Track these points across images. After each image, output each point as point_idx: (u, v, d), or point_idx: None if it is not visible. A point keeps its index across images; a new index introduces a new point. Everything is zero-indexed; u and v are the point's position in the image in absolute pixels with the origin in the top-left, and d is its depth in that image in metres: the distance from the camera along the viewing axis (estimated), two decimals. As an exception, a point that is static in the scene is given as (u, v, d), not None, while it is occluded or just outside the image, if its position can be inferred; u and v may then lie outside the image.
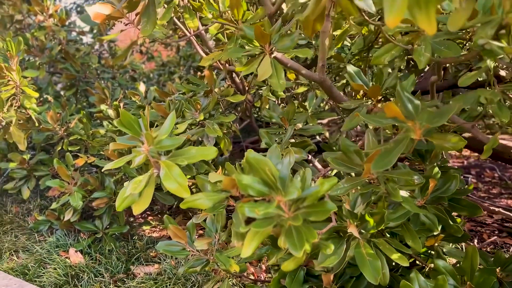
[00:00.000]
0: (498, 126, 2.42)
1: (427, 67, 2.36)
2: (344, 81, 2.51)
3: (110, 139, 2.40)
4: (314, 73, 1.46)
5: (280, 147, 1.75)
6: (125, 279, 1.92)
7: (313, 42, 2.39)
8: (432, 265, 1.44)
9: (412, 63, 2.23)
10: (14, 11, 3.21)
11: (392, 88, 1.41)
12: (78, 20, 4.11)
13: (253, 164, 0.92)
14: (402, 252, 1.17)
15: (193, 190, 1.91)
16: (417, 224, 1.26)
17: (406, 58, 1.88)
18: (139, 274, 1.98)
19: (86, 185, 2.25)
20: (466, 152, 4.26)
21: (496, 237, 2.29)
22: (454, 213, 1.35)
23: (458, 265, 1.34)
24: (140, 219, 2.60)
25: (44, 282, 1.89)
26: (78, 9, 4.62)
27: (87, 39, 4.01)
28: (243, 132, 3.20)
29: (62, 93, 3.56)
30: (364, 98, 2.38)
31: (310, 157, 1.82)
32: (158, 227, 2.55)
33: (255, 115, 3.44)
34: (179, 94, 2.20)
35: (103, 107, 2.55)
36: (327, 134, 2.45)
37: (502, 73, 1.47)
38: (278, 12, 1.65)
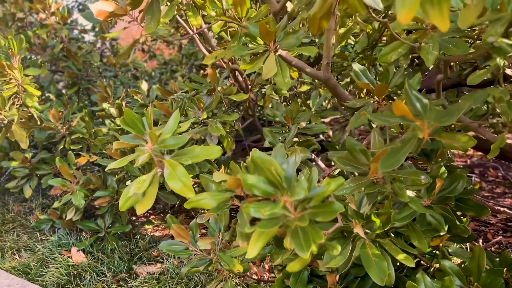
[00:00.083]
0: (502, 125, 2.40)
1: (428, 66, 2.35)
2: (348, 79, 2.50)
3: (112, 137, 2.39)
4: (319, 72, 1.44)
5: (283, 146, 1.74)
6: (127, 279, 1.91)
7: (316, 40, 2.37)
8: (437, 265, 1.43)
9: (417, 61, 2.22)
10: (16, 9, 3.19)
11: (397, 86, 1.40)
12: (80, 18, 4.10)
13: (258, 164, 0.90)
14: (407, 252, 1.16)
15: (195, 189, 1.90)
16: (423, 224, 1.24)
17: (410, 56, 1.86)
18: (142, 273, 1.97)
19: (88, 184, 2.24)
20: (469, 151, 4.24)
21: (501, 237, 2.28)
22: (458, 213, 1.34)
23: (463, 265, 1.33)
24: (142, 218, 2.59)
25: (47, 281, 1.88)
26: (80, 7, 4.61)
27: (89, 37, 3.99)
28: (244, 131, 3.18)
29: (63, 91, 3.55)
30: (367, 96, 2.37)
31: (313, 156, 1.81)
32: (160, 226, 2.54)
33: (257, 114, 3.42)
34: (181, 92, 2.18)
35: (105, 105, 2.53)
36: (330, 133, 2.43)
37: (508, 71, 1.45)
38: (281, 10, 1.64)
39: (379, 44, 2.32)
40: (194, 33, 1.80)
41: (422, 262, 1.44)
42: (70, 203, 2.20)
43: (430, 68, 2.35)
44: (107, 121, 2.45)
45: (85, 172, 2.41)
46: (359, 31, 2.47)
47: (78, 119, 2.53)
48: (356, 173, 1.56)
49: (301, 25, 1.82)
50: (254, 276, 1.90)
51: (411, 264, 1.14)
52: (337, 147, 2.76)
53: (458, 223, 1.21)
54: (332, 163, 2.81)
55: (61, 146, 2.55)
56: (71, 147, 2.46)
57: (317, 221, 0.87)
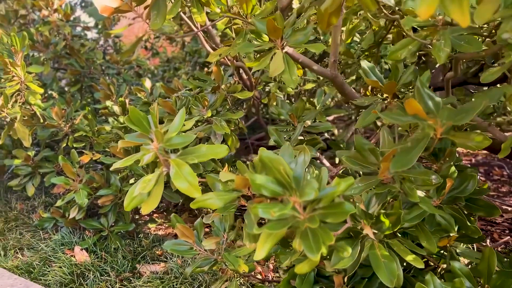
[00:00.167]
0: (508, 123, 2.38)
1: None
2: (354, 77, 2.47)
3: (115, 136, 2.37)
4: (326, 69, 1.42)
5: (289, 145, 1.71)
6: (131, 278, 1.90)
7: (321, 37, 2.35)
8: (444, 266, 1.41)
9: (423, 59, 2.19)
10: (18, 6, 3.17)
11: (405, 85, 1.37)
12: (82, 15, 4.08)
13: (266, 163, 0.88)
14: (415, 253, 1.14)
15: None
16: (432, 225, 1.22)
17: (417, 54, 1.84)
18: (145, 273, 1.95)
19: (92, 182, 2.22)
20: (474, 150, 4.20)
21: (508, 237, 2.25)
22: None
23: (470, 266, 1.30)
24: (146, 216, 2.57)
25: (50, 280, 1.87)
26: (83, 4, 4.58)
27: (92, 34, 3.97)
28: (247, 129, 3.16)
29: (66, 89, 3.53)
30: (373, 94, 2.34)
31: (318, 154, 1.78)
32: (164, 224, 2.52)
33: (261, 112, 3.40)
34: (185, 90, 2.16)
35: (108, 103, 2.51)
36: (335, 131, 2.41)
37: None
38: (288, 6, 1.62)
39: (384, 42, 2.29)
40: (199, 30, 1.78)
41: (429, 262, 1.42)
42: (73, 202, 2.19)
43: (436, 66, 2.33)
44: (110, 119, 2.44)
45: (88, 170, 2.39)
46: (364, 28, 2.45)
47: (81, 117, 2.52)
48: (361, 172, 1.54)
49: (305, 22, 1.80)
50: (259, 276, 1.88)
51: (420, 265, 1.12)
52: (342, 145, 2.74)
53: (468, 223, 1.18)
54: (336, 162, 2.79)
55: (64, 144, 2.53)
56: (74, 145, 2.45)
57: (327, 222, 0.85)
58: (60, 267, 1.95)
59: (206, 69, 2.66)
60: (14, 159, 2.56)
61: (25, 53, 2.29)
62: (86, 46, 3.25)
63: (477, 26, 1.17)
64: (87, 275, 1.91)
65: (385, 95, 1.30)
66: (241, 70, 2.20)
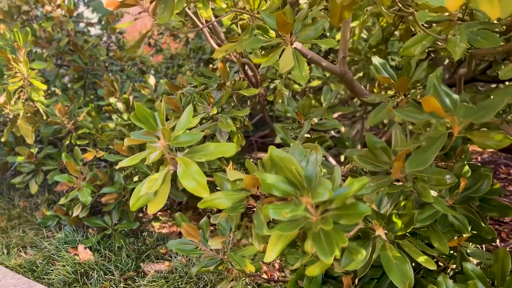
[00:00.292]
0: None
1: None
2: (361, 74, 2.44)
3: (119, 133, 2.35)
4: (335, 66, 1.39)
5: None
6: (135, 277, 1.88)
7: (327, 34, 2.31)
8: (453, 266, 1.38)
9: (433, 55, 2.16)
10: (21, 2, 3.15)
11: (417, 81, 1.34)
12: (86, 11, 4.05)
13: (277, 162, 0.85)
14: (427, 254, 1.11)
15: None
16: (445, 225, 1.19)
17: (427, 50, 1.81)
18: (150, 272, 1.93)
19: (95, 180, 2.20)
20: (479, 148, 4.16)
21: (518, 237, 2.22)
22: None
23: (479, 266, 1.27)
24: (149, 215, 2.55)
25: (53, 279, 1.85)
26: (85, 0, 4.55)
27: (95, 30, 3.94)
28: (251, 126, 3.13)
29: (69, 85, 3.51)
30: (380, 91, 2.31)
31: (325, 153, 1.75)
32: (168, 223, 2.50)
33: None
34: (190, 87, 2.13)
35: (112, 100, 2.49)
36: (342, 129, 2.38)
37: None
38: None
39: (391, 38, 2.26)
40: (204, 26, 1.75)
41: (438, 262, 1.39)
42: (76, 200, 2.16)
43: (445, 63, 2.29)
44: (114, 116, 2.41)
45: (92, 167, 2.37)
46: (371, 24, 2.41)
47: (85, 113, 2.49)
48: (367, 170, 1.51)
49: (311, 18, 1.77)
50: (264, 276, 1.86)
51: (433, 267, 1.09)
52: (347, 143, 2.71)
53: (483, 224, 1.15)
54: (342, 160, 2.76)
55: (67, 141, 2.51)
56: (78, 142, 2.42)
57: (339, 223, 0.82)
58: (64, 266, 1.92)
59: (211, 65, 2.63)
60: (17, 156, 2.54)
61: (28, 49, 2.26)
62: (90, 42, 3.22)
63: (494, 21, 1.13)
64: (91, 274, 1.89)
65: (392, 92, 1.27)
66: (246, 67, 2.17)
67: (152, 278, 1.85)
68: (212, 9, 1.88)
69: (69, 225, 2.29)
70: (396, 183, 1.18)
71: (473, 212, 1.18)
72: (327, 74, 2.56)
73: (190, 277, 1.82)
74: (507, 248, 2.12)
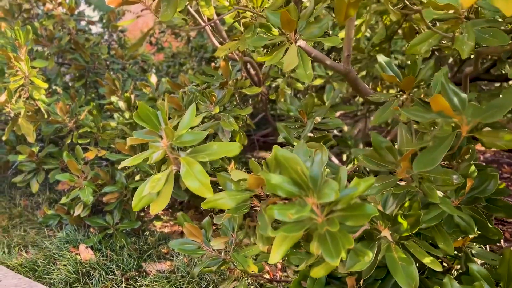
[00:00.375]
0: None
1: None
2: (364, 73, 2.42)
3: (121, 132, 2.34)
4: (339, 64, 1.38)
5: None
6: (137, 277, 1.86)
7: (330, 32, 2.30)
8: (458, 267, 1.36)
9: (437, 54, 2.14)
10: (22, 0, 3.13)
11: (422, 80, 1.32)
12: (87, 10, 4.03)
13: (282, 162, 0.84)
14: (432, 255, 1.09)
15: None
16: (450, 226, 1.17)
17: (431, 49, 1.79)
18: (151, 271, 1.92)
19: (97, 179, 2.19)
20: (481, 147, 4.14)
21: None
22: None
23: (483, 266, 1.26)
24: (151, 214, 2.54)
25: (54, 279, 1.84)
26: (87, -2, 4.53)
27: (97, 29, 3.93)
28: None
29: (70, 84, 3.49)
30: (383, 90, 2.28)
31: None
32: (169, 222, 2.49)
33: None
34: (192, 86, 2.12)
35: (113, 98, 2.47)
36: (345, 128, 2.37)
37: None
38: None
39: (395, 37, 2.24)
40: (207, 24, 1.73)
41: (443, 263, 1.37)
42: (78, 199, 2.15)
43: (449, 62, 2.28)
44: (116, 115, 2.40)
45: (93, 167, 2.35)
46: (374, 23, 2.39)
47: (86, 112, 2.48)
48: (369, 170, 1.49)
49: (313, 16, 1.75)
50: (267, 275, 1.85)
51: (438, 268, 1.08)
52: (349, 142, 2.69)
53: (489, 225, 1.14)
54: (344, 159, 2.75)
55: (69, 140, 2.49)
56: (79, 141, 2.41)
57: (345, 224, 0.81)
58: (65, 266, 1.91)
59: (213, 64, 2.61)
60: (18, 155, 2.52)
61: (29, 48, 2.25)
62: (91, 40, 3.20)
63: (499, 19, 1.12)
64: (93, 274, 1.88)
65: (394, 91, 1.25)
66: (248, 65, 2.16)
67: (154, 278, 1.84)
68: (214, 7, 1.86)
69: (71, 225, 2.28)
70: (400, 183, 1.17)
71: (479, 213, 1.16)
72: (330, 73, 2.54)
73: (192, 277, 1.81)
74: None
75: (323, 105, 2.09)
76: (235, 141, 1.91)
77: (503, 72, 2.28)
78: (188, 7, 1.88)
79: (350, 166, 1.62)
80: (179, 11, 2.03)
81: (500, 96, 0.83)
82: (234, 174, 1.01)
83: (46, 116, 2.40)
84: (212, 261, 1.46)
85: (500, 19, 1.24)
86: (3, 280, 1.77)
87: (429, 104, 1.10)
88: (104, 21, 3.71)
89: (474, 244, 1.35)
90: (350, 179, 0.91)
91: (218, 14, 1.91)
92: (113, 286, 1.81)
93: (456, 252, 1.35)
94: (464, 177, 1.14)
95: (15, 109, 2.19)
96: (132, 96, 2.45)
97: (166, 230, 2.39)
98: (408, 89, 1.15)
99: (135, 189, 2.12)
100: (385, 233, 1.01)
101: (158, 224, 2.42)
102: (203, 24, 1.87)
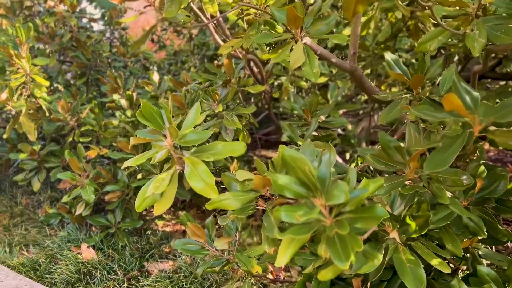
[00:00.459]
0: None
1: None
2: (368, 71, 2.40)
3: (123, 130, 2.32)
4: (345, 62, 1.35)
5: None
6: (139, 277, 1.85)
7: (334, 30, 2.27)
8: (464, 268, 1.34)
9: (443, 52, 2.12)
10: (23, -3, 3.11)
11: (430, 79, 1.30)
12: (88, 7, 4.01)
13: (289, 162, 0.82)
14: (440, 257, 1.07)
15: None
16: (459, 227, 1.15)
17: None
18: (153, 271, 1.90)
19: (98, 177, 2.17)
20: (485, 146, 4.12)
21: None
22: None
23: (490, 267, 1.24)
24: (153, 213, 2.52)
25: (56, 279, 1.82)
26: (89, -5, 4.51)
27: (98, 26, 3.90)
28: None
29: (72, 82, 3.47)
30: (388, 88, 2.25)
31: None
32: (171, 221, 2.47)
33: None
34: (195, 84, 2.09)
35: (115, 96, 2.45)
36: (349, 126, 2.34)
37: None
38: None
39: (400, 35, 2.21)
40: (210, 21, 1.71)
41: (449, 264, 1.35)
42: (79, 197, 2.13)
43: (455, 60, 2.25)
44: (118, 113, 2.38)
45: (95, 165, 2.34)
46: (378, 20, 2.36)
47: (88, 110, 2.46)
48: (373, 170, 1.47)
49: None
50: (270, 276, 1.83)
51: (447, 270, 1.05)
52: (352, 141, 2.67)
53: (499, 226, 1.11)
54: (347, 158, 2.72)
55: (70, 139, 2.48)
56: (81, 140, 2.39)
57: (354, 227, 0.79)
58: (67, 265, 1.90)
59: (216, 62, 2.58)
60: (20, 153, 2.51)
61: (30, 45, 2.23)
62: (93, 38, 3.18)
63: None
64: (94, 274, 1.86)
65: (396, 89, 1.23)
66: (251, 63, 2.14)
67: (156, 277, 1.82)
68: (218, 4, 1.84)
69: (72, 223, 2.26)
70: (407, 183, 1.14)
71: (488, 214, 1.14)
72: (334, 71, 2.52)
73: (195, 277, 1.79)
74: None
75: (326, 103, 2.06)
76: (238, 139, 1.89)
77: (509, 70, 2.25)
78: (191, 4, 1.85)
79: (353, 165, 1.60)
80: (183, 8, 2.01)
81: (514, 95, 0.81)
82: (240, 174, 0.98)
83: (47, 114, 2.38)
84: (216, 261, 1.44)
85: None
86: (4, 281, 1.76)
87: (437, 102, 1.08)
88: (106, 18, 3.68)
89: (481, 245, 1.33)
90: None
91: (221, 12, 1.88)
92: (115, 286, 1.80)
93: (464, 253, 1.33)
94: (473, 177, 1.12)
95: (16, 107, 2.17)
96: (134, 94, 2.43)
97: (168, 229, 2.37)
98: (417, 88, 1.13)
99: (137, 187, 2.11)
100: (393, 234, 0.99)
101: (160, 223, 2.41)
102: (205, 21, 1.84)
